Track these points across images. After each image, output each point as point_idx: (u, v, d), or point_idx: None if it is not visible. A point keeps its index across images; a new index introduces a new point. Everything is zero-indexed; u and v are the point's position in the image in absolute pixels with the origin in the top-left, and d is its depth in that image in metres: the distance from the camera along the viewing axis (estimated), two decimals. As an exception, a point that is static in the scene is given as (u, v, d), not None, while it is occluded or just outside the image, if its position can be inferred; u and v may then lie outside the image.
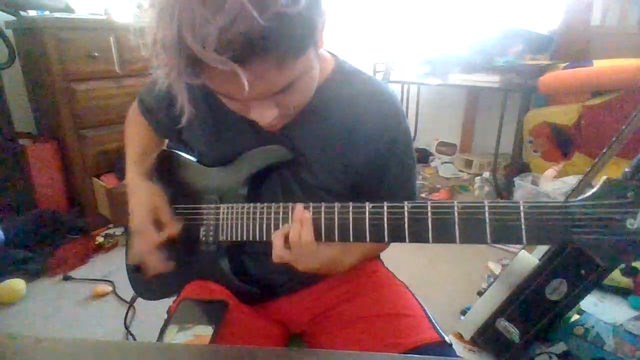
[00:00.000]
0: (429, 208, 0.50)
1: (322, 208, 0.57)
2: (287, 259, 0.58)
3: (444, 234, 0.49)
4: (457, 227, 0.48)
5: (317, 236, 0.57)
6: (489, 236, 0.47)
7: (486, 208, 0.47)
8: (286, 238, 0.58)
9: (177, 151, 0.81)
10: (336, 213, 0.56)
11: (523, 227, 0.45)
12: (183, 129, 0.73)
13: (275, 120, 0.56)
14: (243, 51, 0.42)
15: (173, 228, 0.70)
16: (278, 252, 0.58)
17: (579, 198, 0.44)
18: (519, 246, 1.79)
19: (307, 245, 0.56)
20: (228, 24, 0.40)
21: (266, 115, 0.54)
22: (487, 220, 0.47)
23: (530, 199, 1.84)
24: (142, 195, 0.72)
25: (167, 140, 0.86)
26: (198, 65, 0.44)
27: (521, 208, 0.45)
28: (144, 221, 0.69)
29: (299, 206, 0.58)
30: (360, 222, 0.54)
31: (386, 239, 0.53)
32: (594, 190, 0.44)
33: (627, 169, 0.44)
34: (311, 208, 0.57)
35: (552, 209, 0.44)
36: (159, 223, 0.70)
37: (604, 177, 0.44)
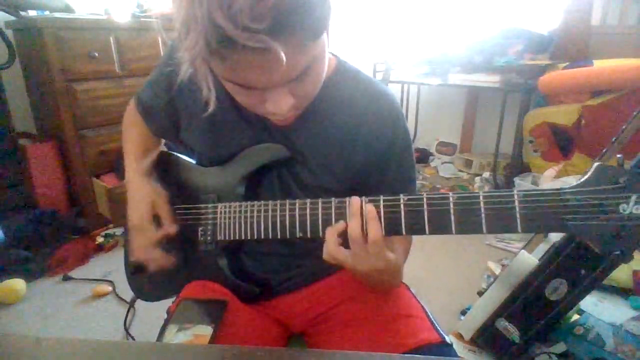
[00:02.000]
0: (425, 200, 0.50)
1: (319, 204, 0.57)
2: (340, 259, 0.54)
3: (440, 225, 0.50)
4: (452, 217, 0.49)
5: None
6: (484, 226, 0.47)
7: (481, 198, 0.48)
8: (340, 235, 0.54)
9: (174, 152, 0.81)
10: (333, 209, 0.56)
11: (517, 215, 0.46)
12: (181, 128, 0.73)
13: (291, 111, 0.55)
14: (273, 26, 0.41)
15: (172, 226, 0.70)
16: (331, 250, 0.54)
17: (572, 185, 0.44)
18: (519, 246, 1.79)
19: (375, 242, 0.52)
20: None
21: (283, 105, 0.52)
22: (482, 210, 0.47)
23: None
24: (141, 191, 0.72)
25: (163, 140, 0.86)
26: (226, 47, 0.43)
27: (515, 197, 0.46)
28: (143, 217, 0.69)
29: (355, 199, 0.54)
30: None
31: (383, 232, 0.53)
32: (586, 176, 0.44)
33: (619, 155, 0.44)
34: (382, 202, 0.53)
35: (546, 196, 0.45)
36: (157, 220, 0.70)
37: (596, 164, 0.44)
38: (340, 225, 0.55)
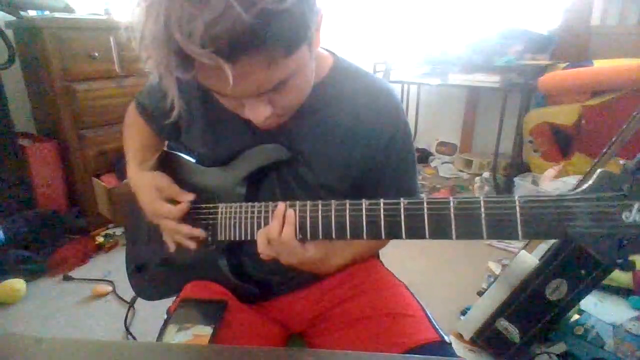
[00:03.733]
0: (425, 204, 0.50)
1: (319, 206, 0.56)
2: (270, 255, 0.60)
3: (440, 230, 0.49)
4: (453, 222, 0.48)
5: (314, 234, 0.57)
6: (484, 231, 0.47)
7: (482, 203, 0.47)
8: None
9: (176, 152, 0.81)
10: (333, 211, 0.56)
11: (518, 222, 0.45)
12: (182, 130, 0.73)
13: (270, 119, 0.56)
14: (229, 47, 0.42)
15: (188, 196, 0.70)
16: (261, 248, 0.60)
17: (575, 191, 0.44)
18: (519, 246, 1.79)
19: (287, 242, 0.57)
20: (213, 19, 0.41)
21: (259, 114, 0.53)
22: (483, 216, 0.47)
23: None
24: (144, 184, 0.73)
25: (166, 141, 0.86)
26: (186, 60, 0.44)
27: (516, 203, 0.45)
28: (155, 203, 0.70)
29: (281, 204, 0.59)
30: (358, 219, 0.54)
31: (383, 236, 0.53)
32: (589, 183, 0.43)
33: (623, 161, 0.43)
34: (297, 206, 0.58)
35: (547, 203, 0.44)
36: (171, 201, 0.70)
37: (599, 170, 0.43)
38: (268, 226, 0.60)
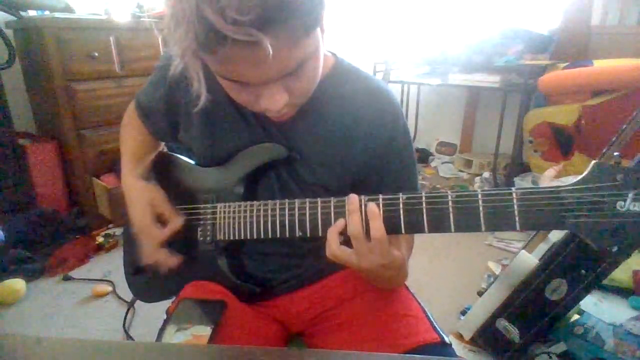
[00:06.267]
0: (424, 199, 0.51)
1: (319, 203, 0.57)
2: (342, 257, 0.55)
3: (438, 224, 0.50)
4: (451, 216, 0.49)
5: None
6: (483, 224, 0.48)
7: (479, 196, 0.48)
8: (342, 233, 0.54)
9: (173, 153, 0.81)
10: (332, 207, 0.56)
11: (516, 213, 0.46)
12: (179, 129, 0.73)
13: (286, 108, 0.55)
14: (261, 19, 0.41)
15: (177, 220, 0.69)
16: (332, 248, 0.54)
17: (570, 182, 0.45)
18: (519, 246, 1.79)
19: (379, 239, 0.52)
20: None
21: (277, 101, 0.52)
22: (481, 208, 0.48)
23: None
24: (137, 194, 0.72)
25: (162, 143, 0.86)
26: (215, 41, 0.43)
27: (513, 195, 0.46)
28: (144, 219, 0.69)
29: (353, 197, 0.54)
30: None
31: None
32: (584, 174, 0.45)
33: (616, 153, 0.44)
34: (381, 200, 0.53)
35: (543, 194, 0.45)
36: (160, 219, 0.70)
37: (594, 162, 0.44)
38: (340, 223, 0.55)
